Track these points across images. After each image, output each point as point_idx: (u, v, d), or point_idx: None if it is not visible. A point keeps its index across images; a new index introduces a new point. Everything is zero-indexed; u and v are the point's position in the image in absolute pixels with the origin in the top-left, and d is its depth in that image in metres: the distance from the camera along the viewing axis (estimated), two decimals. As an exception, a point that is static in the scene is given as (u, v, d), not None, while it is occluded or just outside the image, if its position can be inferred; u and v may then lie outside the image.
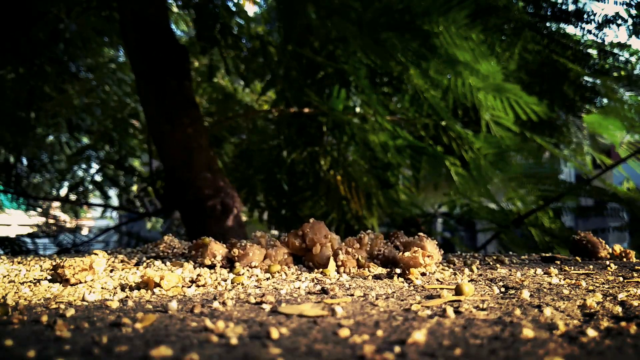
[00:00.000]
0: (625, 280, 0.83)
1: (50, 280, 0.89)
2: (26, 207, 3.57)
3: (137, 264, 1.05)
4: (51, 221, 3.73)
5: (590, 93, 2.59)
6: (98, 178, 3.52)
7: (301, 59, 2.65)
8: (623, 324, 0.55)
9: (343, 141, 2.85)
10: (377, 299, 0.72)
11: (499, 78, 2.24)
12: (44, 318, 0.61)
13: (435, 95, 2.43)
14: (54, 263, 0.89)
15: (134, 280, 0.87)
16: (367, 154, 2.81)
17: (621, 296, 0.70)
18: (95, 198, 3.92)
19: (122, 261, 1.08)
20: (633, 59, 2.38)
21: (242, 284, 0.85)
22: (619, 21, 2.09)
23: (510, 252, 1.41)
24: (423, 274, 0.92)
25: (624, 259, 1.14)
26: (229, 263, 1.00)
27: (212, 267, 0.99)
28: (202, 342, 0.50)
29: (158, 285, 0.80)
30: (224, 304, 0.69)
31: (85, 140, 3.80)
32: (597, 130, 2.87)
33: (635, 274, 0.89)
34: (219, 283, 0.85)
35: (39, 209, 3.69)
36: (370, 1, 2.18)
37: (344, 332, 0.53)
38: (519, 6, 2.17)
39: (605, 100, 2.76)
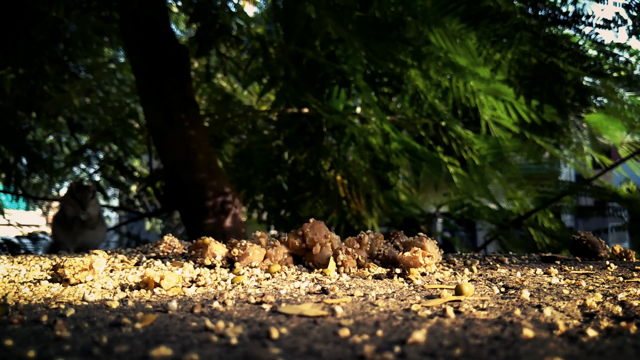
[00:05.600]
0: (625, 280, 0.83)
1: (50, 280, 0.89)
2: (26, 207, 3.57)
3: (137, 264, 1.05)
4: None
5: (589, 94, 2.59)
6: (98, 178, 3.52)
7: (301, 60, 2.65)
8: (623, 324, 0.55)
9: (343, 142, 2.85)
10: (377, 299, 0.72)
11: (495, 81, 2.24)
12: (44, 318, 0.61)
13: (435, 96, 2.43)
14: (54, 263, 0.89)
15: (134, 280, 0.87)
16: (367, 154, 2.81)
17: (621, 296, 0.70)
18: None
19: (122, 261, 1.08)
20: (633, 59, 2.38)
21: (242, 284, 0.85)
22: (619, 22, 2.09)
23: (510, 252, 1.41)
24: (423, 274, 0.92)
25: (624, 259, 1.14)
26: (229, 263, 1.00)
27: (212, 267, 0.99)
28: (202, 342, 0.50)
29: (158, 285, 0.80)
30: (224, 304, 0.69)
31: (85, 140, 3.80)
32: (599, 129, 2.87)
33: (635, 274, 0.89)
34: (219, 283, 0.85)
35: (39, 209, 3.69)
36: (369, 3, 2.19)
37: (344, 332, 0.53)
38: (516, 8, 2.17)
39: (605, 101, 2.76)
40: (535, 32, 2.05)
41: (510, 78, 2.15)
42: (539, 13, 2.07)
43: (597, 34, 2.10)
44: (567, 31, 2.22)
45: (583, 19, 2.04)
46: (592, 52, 2.28)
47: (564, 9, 2.05)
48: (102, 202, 3.85)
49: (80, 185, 1.78)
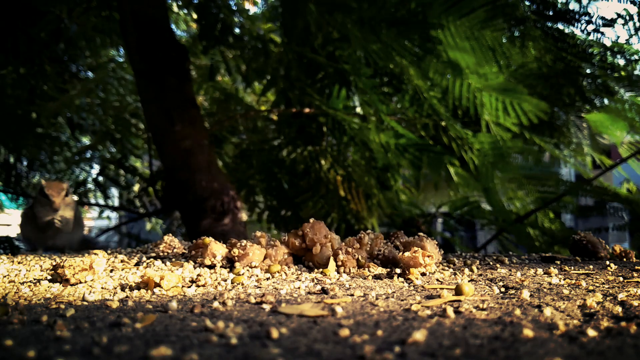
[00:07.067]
0: (625, 280, 0.83)
1: (50, 280, 0.89)
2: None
3: (137, 264, 1.05)
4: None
5: (593, 92, 2.59)
6: (98, 178, 3.52)
7: (302, 59, 2.64)
8: (623, 324, 0.55)
9: (343, 141, 2.85)
10: (377, 299, 0.72)
11: (501, 79, 2.23)
12: (44, 318, 0.61)
13: (435, 96, 2.43)
14: (54, 263, 0.89)
15: (134, 280, 0.87)
16: (367, 154, 2.81)
17: (621, 296, 0.70)
18: (94, 198, 3.92)
19: (122, 261, 1.08)
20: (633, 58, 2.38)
21: (242, 284, 0.85)
22: (626, 18, 2.09)
23: (510, 252, 1.41)
24: (423, 274, 0.92)
25: (624, 259, 1.14)
26: (229, 263, 1.00)
27: (212, 267, 0.99)
28: (202, 342, 0.50)
29: (158, 285, 0.80)
30: (224, 304, 0.69)
31: (86, 140, 3.80)
32: (599, 129, 2.87)
33: (635, 274, 0.89)
34: (219, 283, 0.85)
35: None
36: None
37: (344, 332, 0.53)
38: (524, 6, 2.17)
39: (605, 101, 2.76)
40: (543, 30, 2.04)
41: (530, 73, 2.14)
42: (545, 12, 2.07)
43: (599, 34, 2.10)
44: (570, 29, 2.22)
45: (586, 18, 2.04)
46: (595, 52, 2.28)
47: (570, 7, 2.05)
48: (102, 202, 3.85)
49: (51, 183, 1.53)
